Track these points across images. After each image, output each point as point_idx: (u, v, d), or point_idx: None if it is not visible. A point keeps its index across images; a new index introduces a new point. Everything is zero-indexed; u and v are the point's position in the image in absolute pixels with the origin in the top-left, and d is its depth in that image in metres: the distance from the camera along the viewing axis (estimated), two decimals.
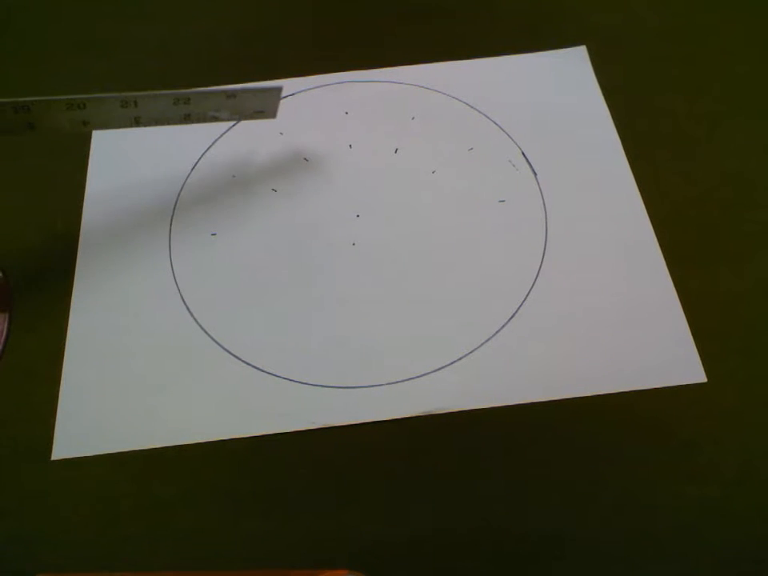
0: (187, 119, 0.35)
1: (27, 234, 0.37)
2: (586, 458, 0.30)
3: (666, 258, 0.35)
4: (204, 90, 0.34)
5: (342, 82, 0.42)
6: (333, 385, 0.32)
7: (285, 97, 0.41)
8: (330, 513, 0.30)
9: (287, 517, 0.30)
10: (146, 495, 0.30)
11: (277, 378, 0.32)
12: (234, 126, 0.40)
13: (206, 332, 0.34)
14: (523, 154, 0.39)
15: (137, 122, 0.34)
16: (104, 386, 0.33)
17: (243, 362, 0.33)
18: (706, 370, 0.32)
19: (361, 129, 0.40)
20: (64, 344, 0.34)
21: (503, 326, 0.33)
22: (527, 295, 0.34)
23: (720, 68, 0.41)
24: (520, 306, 0.34)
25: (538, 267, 0.35)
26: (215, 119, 0.36)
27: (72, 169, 0.39)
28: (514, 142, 0.39)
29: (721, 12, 0.44)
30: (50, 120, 0.32)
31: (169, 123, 0.34)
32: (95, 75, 0.43)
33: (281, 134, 0.40)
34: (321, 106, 0.41)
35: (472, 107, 0.40)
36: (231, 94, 0.35)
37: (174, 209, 0.38)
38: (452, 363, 0.32)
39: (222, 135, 0.40)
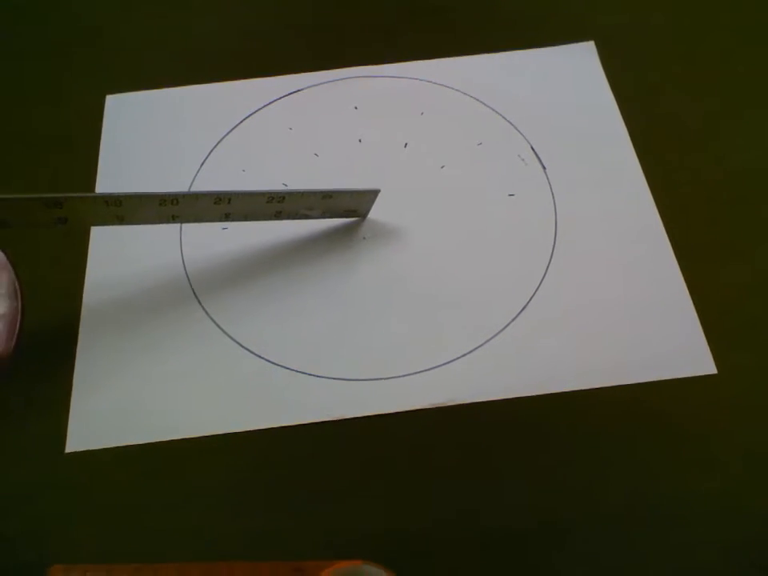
0: (278, 216, 0.34)
1: (38, 229, 0.37)
2: (595, 450, 0.31)
3: (675, 251, 0.35)
4: (300, 190, 0.34)
5: (351, 78, 0.42)
6: (344, 377, 0.32)
7: (295, 92, 0.42)
8: (344, 504, 0.30)
9: (301, 509, 0.30)
10: (159, 488, 0.30)
11: (289, 371, 0.33)
12: (243, 120, 0.41)
13: (217, 325, 0.34)
14: (532, 148, 0.39)
15: (227, 217, 0.34)
16: (117, 379, 0.33)
17: (255, 354, 0.33)
18: (715, 362, 0.32)
19: (370, 124, 0.40)
20: (77, 337, 0.34)
21: (513, 319, 0.34)
22: (537, 288, 0.34)
23: (727, 64, 0.42)
24: (530, 299, 0.34)
25: (548, 261, 0.35)
26: (306, 217, 0.35)
27: (82, 163, 0.39)
28: (523, 136, 0.39)
29: (727, 9, 0.44)
30: (141, 215, 0.32)
31: (259, 219, 0.34)
32: (95, 71, 0.43)
33: (290, 129, 0.40)
34: (330, 102, 0.41)
35: (481, 102, 0.41)
36: (327, 195, 0.34)
37: None
38: (462, 356, 0.33)
39: (231, 130, 0.40)
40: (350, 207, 0.36)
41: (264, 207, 0.34)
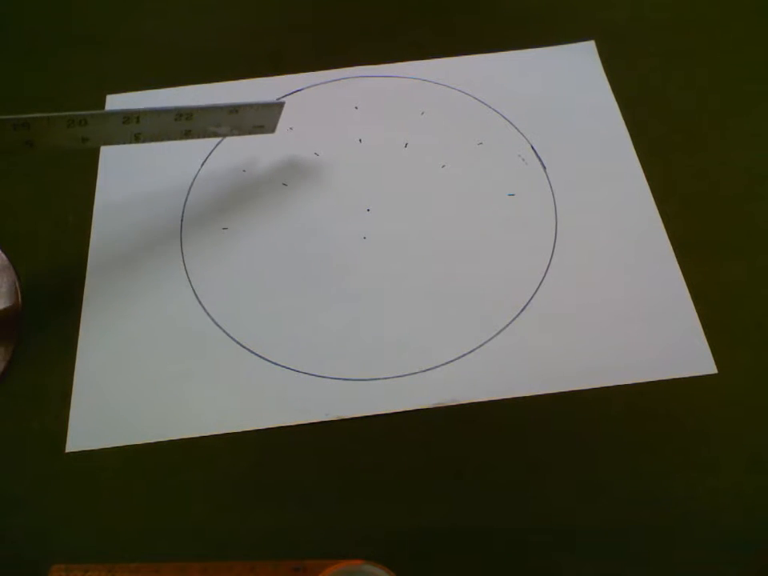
0: (187, 135, 0.34)
1: (39, 229, 0.37)
2: (597, 450, 0.31)
3: (675, 251, 0.35)
4: (206, 106, 0.33)
5: (352, 77, 0.42)
6: (345, 377, 0.32)
7: (295, 92, 0.42)
8: (343, 504, 0.30)
9: (302, 508, 0.30)
10: (160, 487, 0.30)
11: (289, 371, 0.33)
12: None
13: (218, 326, 0.34)
14: (532, 148, 0.39)
15: (136, 139, 0.33)
16: (118, 379, 0.33)
17: (255, 354, 0.33)
18: (716, 362, 0.32)
19: (370, 124, 0.40)
20: (77, 337, 0.34)
21: (514, 319, 0.34)
22: (537, 288, 0.34)
23: (728, 62, 0.41)
24: (530, 298, 0.34)
25: (548, 260, 0.35)
26: (215, 135, 0.35)
27: (83, 164, 0.39)
28: (524, 136, 0.39)
29: (728, 7, 0.44)
30: (49, 137, 0.31)
31: (168, 139, 0.34)
32: (96, 71, 0.43)
33: (290, 128, 0.40)
34: (330, 101, 0.41)
35: (481, 102, 0.41)
36: (233, 109, 0.34)
37: (185, 204, 0.38)
38: (463, 356, 0.33)
39: None
40: (256, 123, 0.36)
41: (173, 125, 0.33)
